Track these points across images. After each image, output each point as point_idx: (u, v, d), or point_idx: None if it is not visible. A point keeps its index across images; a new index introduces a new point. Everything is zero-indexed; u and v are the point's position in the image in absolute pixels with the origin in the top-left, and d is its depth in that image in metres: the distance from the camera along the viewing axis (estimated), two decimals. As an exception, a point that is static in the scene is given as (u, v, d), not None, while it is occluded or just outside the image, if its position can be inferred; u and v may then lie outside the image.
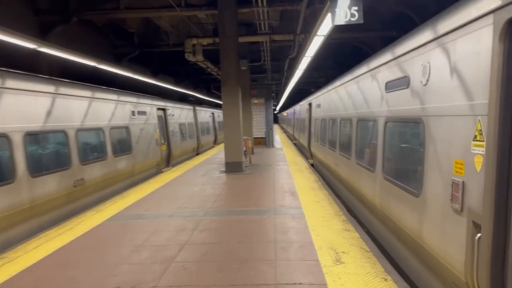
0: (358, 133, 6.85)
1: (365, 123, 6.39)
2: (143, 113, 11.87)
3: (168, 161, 14.13)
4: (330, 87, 10.09)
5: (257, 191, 8.41)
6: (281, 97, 33.32)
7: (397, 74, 4.70)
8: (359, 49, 17.56)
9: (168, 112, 14.45)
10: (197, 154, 18.96)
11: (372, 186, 5.77)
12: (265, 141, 20.91)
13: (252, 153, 16.93)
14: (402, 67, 4.53)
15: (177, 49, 14.62)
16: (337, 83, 8.96)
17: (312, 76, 24.59)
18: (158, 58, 19.05)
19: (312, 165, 13.89)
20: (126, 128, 10.45)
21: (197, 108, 20.21)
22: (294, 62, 13.70)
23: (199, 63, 14.38)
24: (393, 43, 5.03)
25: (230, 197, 7.87)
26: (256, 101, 22.38)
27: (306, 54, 9.27)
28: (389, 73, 5.03)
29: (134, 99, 11.26)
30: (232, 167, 11.46)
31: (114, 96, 9.91)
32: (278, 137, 30.67)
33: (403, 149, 4.71)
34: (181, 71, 21.38)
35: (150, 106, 12.58)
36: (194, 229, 5.76)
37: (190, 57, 13.02)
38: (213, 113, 25.12)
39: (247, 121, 17.53)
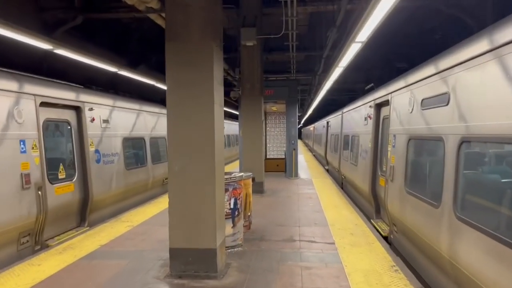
0: None
1: None
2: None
3: (84, 214, 6.85)
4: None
5: None
6: (309, 106, 25.04)
7: None
8: (431, 33, 10.15)
9: (91, 114, 7.15)
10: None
11: None
12: (284, 166, 13.35)
13: (262, 192, 9.51)
14: None
15: (140, 15, 7.54)
16: None
17: (346, 80, 16.46)
18: (137, 43, 12.06)
19: (386, 239, 6.20)
20: None
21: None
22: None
23: (156, 21, 7.16)
24: None
25: None
26: (274, 108, 14.91)
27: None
28: None
29: None
30: (189, 264, 4.10)
31: None
32: (303, 157, 23.05)
33: None
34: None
35: (14, 94, 5.28)
36: None
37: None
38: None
39: (254, 140, 10.05)
